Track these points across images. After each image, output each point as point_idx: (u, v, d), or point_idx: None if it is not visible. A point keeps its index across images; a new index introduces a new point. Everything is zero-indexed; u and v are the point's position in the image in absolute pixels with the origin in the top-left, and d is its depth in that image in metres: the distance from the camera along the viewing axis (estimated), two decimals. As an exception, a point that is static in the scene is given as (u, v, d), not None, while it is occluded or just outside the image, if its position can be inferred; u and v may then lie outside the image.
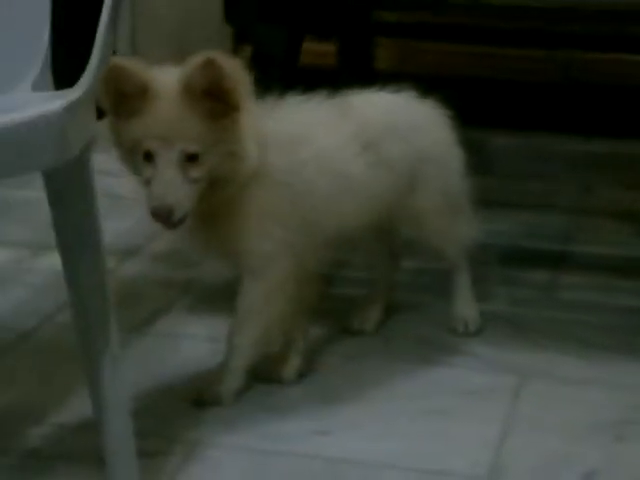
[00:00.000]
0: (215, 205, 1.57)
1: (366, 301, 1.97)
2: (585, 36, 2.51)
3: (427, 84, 1.87)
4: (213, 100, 1.47)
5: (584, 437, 1.62)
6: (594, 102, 2.75)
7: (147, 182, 1.49)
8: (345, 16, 2.25)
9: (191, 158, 1.47)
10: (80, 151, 1.22)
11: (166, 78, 1.51)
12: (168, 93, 1.48)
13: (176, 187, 1.46)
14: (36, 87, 1.27)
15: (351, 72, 2.47)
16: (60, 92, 1.21)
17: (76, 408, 1.58)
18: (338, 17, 2.28)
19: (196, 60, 1.44)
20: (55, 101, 1.17)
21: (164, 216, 1.47)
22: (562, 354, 1.86)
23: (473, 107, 1.87)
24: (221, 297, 2.05)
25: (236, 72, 1.48)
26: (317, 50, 2.28)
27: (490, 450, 1.57)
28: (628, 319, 1.99)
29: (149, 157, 1.47)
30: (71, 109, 1.17)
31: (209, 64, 1.43)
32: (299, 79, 1.64)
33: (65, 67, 1.30)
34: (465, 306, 1.96)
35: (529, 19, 2.20)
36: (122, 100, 1.49)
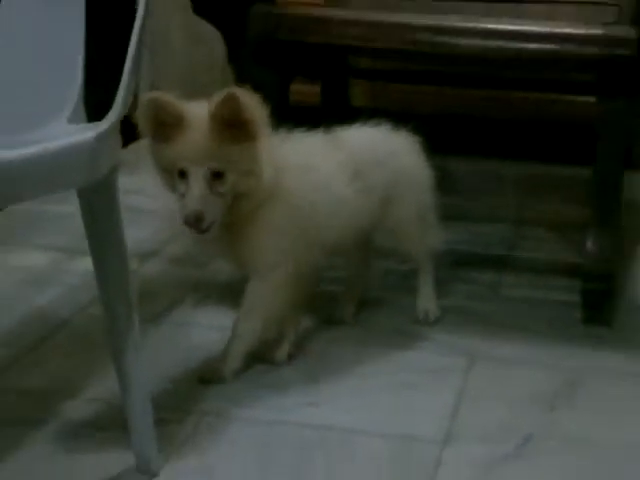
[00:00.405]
0: (236, 218, 1.60)
1: (345, 296, 1.98)
2: (521, 79, 2.52)
3: (395, 118, 1.88)
4: (235, 128, 1.51)
5: (523, 408, 1.63)
6: (532, 134, 2.76)
7: (181, 195, 1.53)
8: (327, 62, 2.25)
9: (217, 175, 1.52)
10: (107, 173, 1.23)
11: (197, 110, 1.55)
12: (199, 122, 1.52)
13: (205, 199, 1.50)
14: (71, 120, 1.28)
15: (332, 108, 2.46)
16: (91, 124, 1.22)
17: (104, 385, 1.58)
18: (321, 63, 2.27)
19: (221, 95, 1.48)
20: (87, 132, 1.18)
21: (195, 223, 1.51)
22: (505, 340, 1.87)
23: (435, 137, 1.87)
24: (225, 293, 2.05)
25: (254, 106, 1.52)
26: (304, 90, 2.28)
27: (446, 418, 1.58)
28: (560, 311, 1.99)
29: (183, 174, 1.52)
30: (100, 139, 1.17)
31: (232, 99, 1.47)
32: (289, 114, 1.65)
33: (95, 103, 1.30)
34: (427, 300, 1.97)
35: (475, 66, 2.20)
36: (161, 128, 1.53)
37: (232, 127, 1.52)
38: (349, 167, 1.78)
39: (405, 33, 1.98)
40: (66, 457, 1.44)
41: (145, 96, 1.52)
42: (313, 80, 2.51)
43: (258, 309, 1.71)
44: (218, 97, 1.51)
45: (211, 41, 2.08)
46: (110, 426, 1.47)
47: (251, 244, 1.66)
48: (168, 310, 1.95)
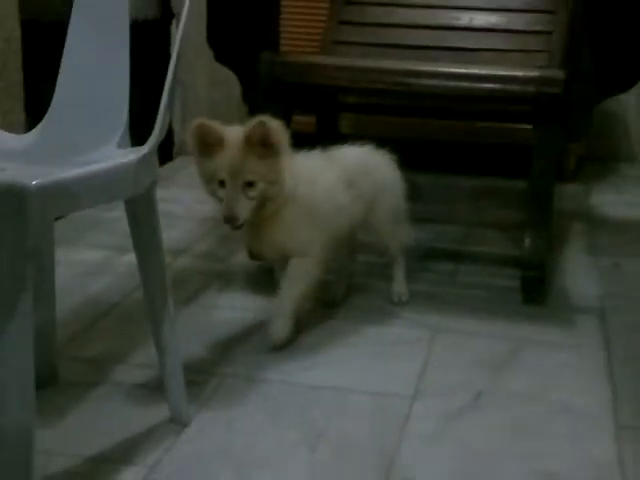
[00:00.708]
0: (260, 218, 1.65)
1: (336, 283, 1.98)
2: (474, 111, 2.52)
3: (375, 143, 1.89)
4: (264, 147, 1.58)
5: (476, 370, 1.64)
6: (482, 154, 2.76)
7: (220, 200, 1.60)
8: (320, 99, 2.25)
9: (249, 184, 1.58)
10: (147, 187, 1.24)
11: (234, 133, 1.61)
12: (235, 142, 1.58)
13: (239, 202, 1.57)
14: (120, 145, 1.29)
15: (324, 136, 2.46)
16: (134, 149, 1.23)
17: (146, 354, 1.58)
18: (316, 99, 2.27)
19: (254, 121, 1.56)
20: (131, 155, 1.19)
21: (231, 221, 1.58)
22: (461, 316, 1.88)
23: (406, 157, 1.88)
24: (242, 282, 2.06)
25: (278, 130, 1.59)
26: (302, 120, 2.28)
27: (415, 379, 1.59)
28: (504, 294, 2.00)
29: (222, 184, 1.58)
30: (141, 161, 1.19)
31: (262, 125, 1.55)
32: (291, 139, 1.66)
33: (137, 132, 1.31)
34: (400, 286, 1.97)
35: (438, 101, 2.20)
36: (205, 147, 1.60)
37: (261, 147, 1.58)
38: (344, 178, 1.81)
39: (384, 76, 1.99)
40: (116, 411, 1.45)
41: (194, 121, 1.59)
42: (309, 113, 2.51)
43: (300, 279, 1.74)
44: (251, 123, 1.58)
45: (228, 83, 2.08)
46: (150, 386, 1.48)
47: (288, 233, 1.71)
48: (196, 295, 1.96)
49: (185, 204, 2.47)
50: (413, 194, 1.99)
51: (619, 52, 1.83)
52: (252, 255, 2.06)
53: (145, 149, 1.21)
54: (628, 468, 1.32)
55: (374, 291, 2.03)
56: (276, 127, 1.61)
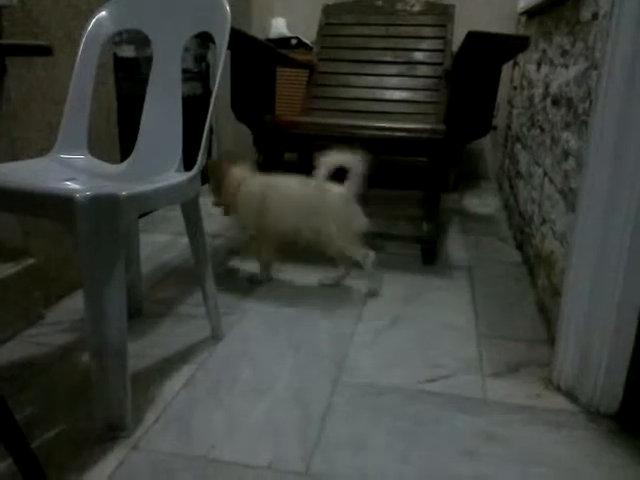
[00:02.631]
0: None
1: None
2: (393, 149, 2.51)
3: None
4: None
5: (395, 303, 1.64)
6: (399, 175, 2.75)
7: (218, 200, 1.72)
8: (302, 143, 2.23)
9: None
10: (194, 196, 1.23)
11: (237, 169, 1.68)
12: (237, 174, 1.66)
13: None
14: (177, 170, 1.27)
15: (304, 165, 2.45)
16: (186, 173, 1.22)
17: (196, 296, 1.57)
18: (298, 143, 2.26)
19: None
20: (184, 177, 1.18)
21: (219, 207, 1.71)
22: (387, 272, 1.85)
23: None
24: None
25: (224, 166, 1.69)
26: (289, 157, 2.27)
27: (358, 310, 1.58)
28: (412, 258, 1.99)
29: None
30: (190, 180, 1.18)
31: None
32: (283, 167, 1.65)
33: (188, 162, 1.29)
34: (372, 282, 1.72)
35: (371, 143, 2.19)
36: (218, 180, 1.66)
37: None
38: (263, 191, 1.66)
39: (339, 129, 1.98)
40: (178, 331, 1.44)
41: (209, 162, 1.63)
42: (294, 151, 2.50)
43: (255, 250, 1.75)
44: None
45: (245, 133, 2.07)
46: (199, 316, 1.46)
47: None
48: (225, 261, 1.94)
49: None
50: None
51: (477, 115, 1.84)
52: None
53: (192, 173, 1.20)
54: (484, 360, 1.34)
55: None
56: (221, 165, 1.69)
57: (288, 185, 1.69)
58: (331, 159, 1.61)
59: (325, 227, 1.62)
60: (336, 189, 1.64)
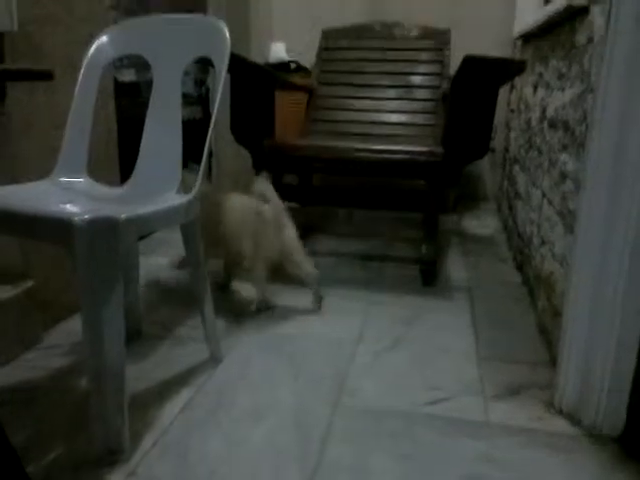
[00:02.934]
0: None
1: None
2: (392, 172, 2.51)
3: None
4: None
5: (394, 324, 1.63)
6: (396, 198, 2.77)
7: None
8: (300, 165, 2.24)
9: None
10: (193, 218, 1.23)
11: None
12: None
13: None
14: (177, 192, 1.27)
15: (303, 187, 2.46)
16: (185, 195, 1.22)
17: (195, 318, 1.55)
18: (297, 165, 2.27)
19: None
20: (183, 199, 1.18)
21: None
22: (385, 294, 1.86)
23: (352, 199, 1.89)
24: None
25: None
26: (289, 178, 2.28)
27: (357, 331, 1.58)
28: (411, 279, 1.99)
29: None
30: (189, 202, 1.18)
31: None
32: (283, 189, 1.65)
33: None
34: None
35: (369, 165, 2.20)
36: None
37: None
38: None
39: (337, 151, 1.99)
40: (177, 353, 1.43)
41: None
42: (294, 173, 2.51)
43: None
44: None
45: (245, 155, 2.08)
46: (198, 339, 1.44)
47: None
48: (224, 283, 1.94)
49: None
50: (352, 223, 1.99)
51: (475, 138, 1.85)
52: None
53: (191, 195, 1.21)
54: (485, 381, 1.33)
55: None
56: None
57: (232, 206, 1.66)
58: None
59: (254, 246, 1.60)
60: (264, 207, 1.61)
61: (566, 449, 1.09)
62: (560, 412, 1.20)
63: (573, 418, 1.18)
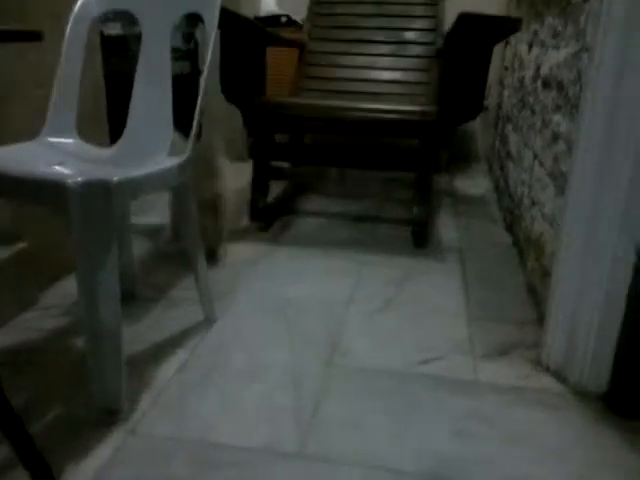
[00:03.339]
0: None
1: None
2: (385, 130, 2.50)
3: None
4: None
5: (387, 285, 1.65)
6: (390, 156, 2.75)
7: None
8: (291, 124, 2.21)
9: None
10: (185, 180, 1.23)
11: None
12: None
13: None
14: (169, 155, 1.26)
15: (294, 145, 2.45)
16: (177, 157, 1.21)
17: (188, 280, 1.57)
18: (289, 124, 2.23)
19: None
20: (174, 161, 1.17)
21: None
22: (378, 255, 1.88)
23: (343, 158, 1.87)
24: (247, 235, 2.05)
25: None
26: (280, 137, 2.25)
27: (350, 292, 1.60)
28: (403, 240, 2.01)
29: None
30: (181, 164, 1.17)
31: None
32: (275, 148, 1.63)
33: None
34: None
35: (361, 126, 2.17)
36: None
37: None
38: None
39: (330, 110, 1.96)
40: (171, 315, 1.45)
41: None
42: (285, 132, 2.49)
43: None
44: None
45: (236, 113, 2.05)
46: (192, 300, 1.46)
47: None
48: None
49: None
50: (345, 183, 1.99)
51: (469, 97, 1.84)
52: (252, 218, 2.05)
53: (183, 157, 1.20)
54: (474, 340, 1.36)
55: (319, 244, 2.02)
56: None
57: None
58: None
59: None
60: None
61: (553, 406, 1.13)
62: (547, 370, 1.24)
63: (560, 376, 1.21)
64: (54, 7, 1.49)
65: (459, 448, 1.00)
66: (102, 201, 0.98)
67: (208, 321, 1.40)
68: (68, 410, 1.07)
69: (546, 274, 1.42)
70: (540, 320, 1.41)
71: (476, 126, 3.30)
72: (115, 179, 0.98)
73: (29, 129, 1.41)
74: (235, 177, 2.67)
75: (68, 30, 1.33)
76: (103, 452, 0.96)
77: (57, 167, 1.19)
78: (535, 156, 1.79)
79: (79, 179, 0.95)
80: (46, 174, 1.05)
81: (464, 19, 1.62)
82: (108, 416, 1.04)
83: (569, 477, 0.95)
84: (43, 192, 1.01)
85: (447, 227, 2.18)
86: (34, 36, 1.06)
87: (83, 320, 1.01)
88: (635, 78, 1.04)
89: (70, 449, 0.97)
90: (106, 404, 1.04)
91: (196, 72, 3.05)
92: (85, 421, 1.03)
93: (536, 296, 1.54)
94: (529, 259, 1.70)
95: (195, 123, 1.21)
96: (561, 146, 1.44)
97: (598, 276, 1.13)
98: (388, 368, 1.24)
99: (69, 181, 0.94)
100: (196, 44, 3.21)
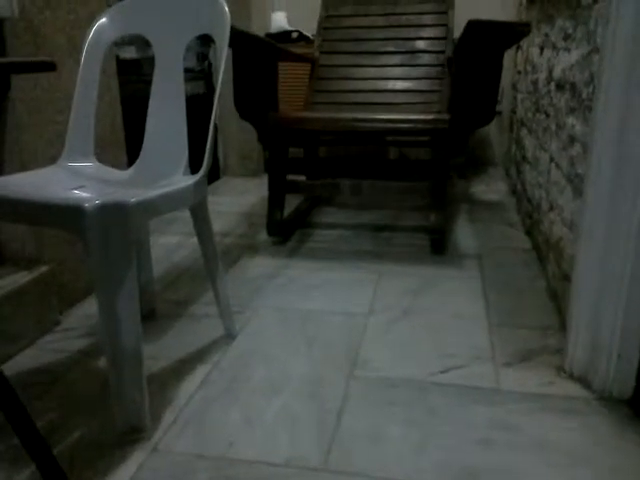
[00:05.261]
0: None
1: None
2: (398, 141, 2.50)
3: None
4: None
5: (405, 295, 1.64)
6: (404, 166, 2.75)
7: None
8: (305, 137, 2.23)
9: None
10: (201, 198, 1.24)
11: None
12: None
13: None
14: (184, 174, 1.28)
15: (308, 159, 2.45)
16: (192, 176, 1.22)
17: (208, 296, 1.58)
18: (302, 138, 2.25)
19: None
20: (190, 180, 1.19)
21: None
22: (396, 264, 1.87)
23: (358, 169, 1.87)
24: (264, 250, 2.05)
25: None
26: (294, 151, 2.26)
27: (369, 303, 1.59)
28: (421, 248, 2.00)
29: None
30: (197, 184, 1.19)
31: None
32: (288, 163, 1.63)
33: (195, 165, 1.30)
34: None
35: (374, 136, 2.18)
36: None
37: None
38: None
39: (341, 123, 1.97)
40: (192, 331, 1.45)
41: None
42: (299, 146, 2.50)
43: None
44: None
45: (250, 130, 2.07)
46: (212, 316, 1.48)
47: None
48: (237, 259, 1.95)
49: (228, 205, 2.42)
50: (363, 193, 1.99)
51: (481, 103, 1.83)
52: (270, 233, 2.06)
53: (199, 176, 1.21)
54: (495, 348, 1.35)
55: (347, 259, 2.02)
56: None
57: None
58: None
59: None
60: None
61: (577, 412, 1.10)
62: (571, 376, 1.21)
63: (584, 382, 1.19)
64: (71, 33, 1.53)
65: (482, 458, 0.99)
66: (119, 223, 0.99)
67: (229, 336, 1.41)
68: (92, 430, 1.08)
69: (566, 279, 1.40)
70: (563, 325, 1.39)
71: (491, 131, 3.28)
72: (132, 201, 0.99)
73: (49, 154, 1.44)
74: (251, 192, 2.69)
75: (83, 56, 1.35)
76: (126, 471, 0.97)
77: (76, 191, 1.21)
78: (551, 159, 1.77)
79: (96, 202, 0.96)
80: (64, 199, 1.07)
81: (473, 26, 1.62)
82: (131, 434, 1.04)
83: (597, 485, 0.93)
84: (61, 216, 1.02)
85: (465, 233, 2.17)
86: (48, 66, 1.08)
87: (104, 341, 1.02)
88: (647, 77, 1.03)
89: (94, 469, 0.97)
90: (129, 422, 1.05)
91: (211, 92, 3.10)
92: (108, 440, 1.04)
93: (558, 301, 1.51)
94: (549, 264, 1.67)
95: (210, 140, 1.22)
96: (577, 148, 1.42)
97: (619, 279, 1.11)
98: (409, 378, 1.23)
99: (86, 204, 0.96)
100: (210, 64, 3.26)
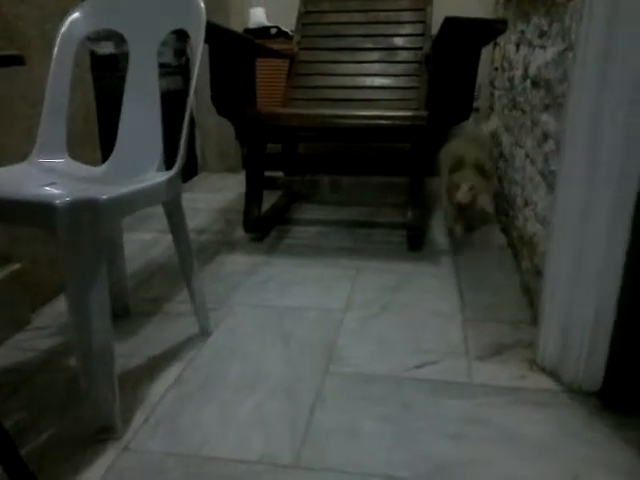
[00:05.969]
0: None
1: None
2: (377, 137, 2.49)
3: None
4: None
5: (382, 291, 1.65)
6: (383, 161, 2.75)
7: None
8: (283, 133, 2.22)
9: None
10: (175, 195, 1.23)
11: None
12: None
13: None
14: (158, 170, 1.27)
15: (287, 155, 2.44)
16: (166, 172, 1.22)
17: (183, 294, 1.56)
18: (281, 134, 2.24)
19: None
20: (164, 176, 1.18)
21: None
22: (373, 260, 1.88)
23: (336, 165, 1.87)
24: (241, 247, 2.04)
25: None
26: (272, 147, 2.26)
27: (346, 298, 1.60)
28: (398, 245, 2.01)
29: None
30: (170, 179, 1.18)
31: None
32: (266, 159, 1.62)
33: (167, 160, 1.29)
34: None
35: (354, 133, 2.18)
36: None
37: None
38: None
39: (320, 119, 1.97)
40: (166, 329, 1.45)
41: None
42: (277, 142, 2.49)
43: None
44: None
45: (228, 126, 2.05)
46: (187, 313, 1.47)
47: None
48: (213, 256, 1.94)
49: (205, 201, 2.41)
50: (338, 190, 1.99)
51: (458, 99, 1.84)
52: (247, 229, 2.06)
53: (172, 172, 1.20)
54: (469, 343, 1.36)
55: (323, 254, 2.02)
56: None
57: None
58: None
59: None
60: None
61: (548, 405, 1.12)
62: (543, 369, 1.23)
63: (555, 375, 1.21)
64: (44, 27, 1.51)
65: (455, 451, 1.00)
66: (90, 220, 0.98)
67: (203, 334, 1.40)
68: (62, 429, 1.07)
69: (539, 273, 1.42)
70: (535, 320, 1.41)
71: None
72: (103, 197, 0.98)
73: (20, 151, 1.42)
74: (229, 188, 2.68)
75: (55, 50, 1.33)
76: (96, 470, 0.96)
77: (47, 188, 1.19)
78: (527, 155, 1.79)
79: (67, 199, 0.95)
80: (35, 195, 1.05)
81: (450, 23, 1.63)
82: (102, 434, 1.04)
83: (565, 476, 0.94)
84: (32, 213, 1.01)
85: (442, 230, 2.18)
86: (17, 60, 1.06)
87: (74, 338, 1.01)
88: (618, 75, 1.04)
89: (64, 468, 0.96)
90: (99, 422, 1.04)
91: (188, 87, 3.07)
92: (79, 439, 1.03)
93: (531, 296, 1.53)
94: (523, 259, 1.69)
95: (184, 137, 1.21)
96: (550, 145, 1.44)
97: (590, 274, 1.12)
98: (384, 374, 1.24)
99: (57, 201, 0.94)
100: (187, 60, 3.23)
